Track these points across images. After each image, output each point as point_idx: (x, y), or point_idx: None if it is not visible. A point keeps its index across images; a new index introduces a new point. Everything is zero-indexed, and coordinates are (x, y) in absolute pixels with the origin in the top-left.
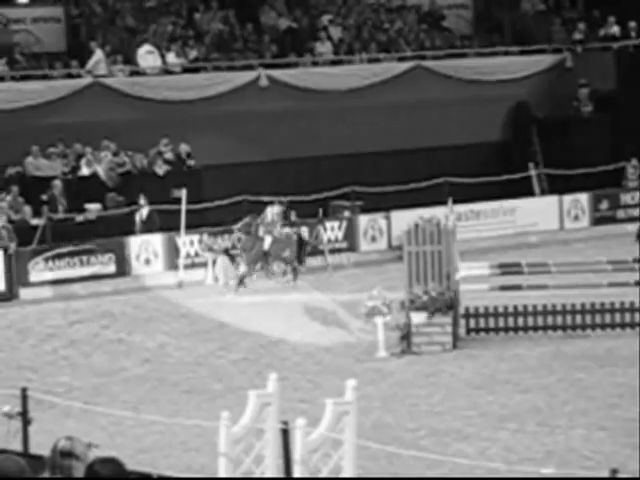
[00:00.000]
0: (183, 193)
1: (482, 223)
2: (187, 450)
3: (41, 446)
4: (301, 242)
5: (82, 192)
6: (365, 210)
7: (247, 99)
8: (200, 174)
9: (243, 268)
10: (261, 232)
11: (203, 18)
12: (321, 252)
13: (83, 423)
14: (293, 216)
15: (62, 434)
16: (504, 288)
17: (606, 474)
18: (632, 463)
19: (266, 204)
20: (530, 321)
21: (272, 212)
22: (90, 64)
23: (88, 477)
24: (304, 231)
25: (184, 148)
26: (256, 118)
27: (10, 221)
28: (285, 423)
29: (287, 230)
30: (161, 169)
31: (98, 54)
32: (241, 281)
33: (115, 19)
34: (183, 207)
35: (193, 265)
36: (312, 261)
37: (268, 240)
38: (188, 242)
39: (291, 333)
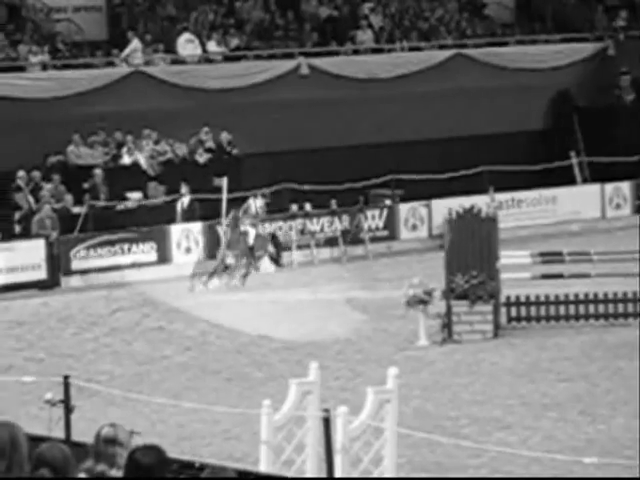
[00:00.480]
0: (224, 181)
1: (523, 212)
2: (228, 438)
3: (84, 434)
4: (276, 242)
5: (123, 181)
6: (405, 199)
7: (288, 87)
8: (241, 162)
9: (230, 261)
10: (244, 226)
11: (244, 6)
12: (362, 241)
13: (125, 410)
14: (308, 206)
15: (104, 422)
16: (545, 276)
17: None
18: None
19: (306, 193)
20: (571, 310)
21: (255, 205)
22: (125, 52)
23: (130, 464)
24: (287, 229)
25: (225, 136)
26: (296, 106)
27: (53, 210)
28: (326, 411)
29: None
30: (202, 157)
31: (134, 43)
32: (212, 274)
33: (156, 7)
34: (224, 195)
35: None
36: (354, 250)
37: (252, 233)
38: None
39: (331, 321)
